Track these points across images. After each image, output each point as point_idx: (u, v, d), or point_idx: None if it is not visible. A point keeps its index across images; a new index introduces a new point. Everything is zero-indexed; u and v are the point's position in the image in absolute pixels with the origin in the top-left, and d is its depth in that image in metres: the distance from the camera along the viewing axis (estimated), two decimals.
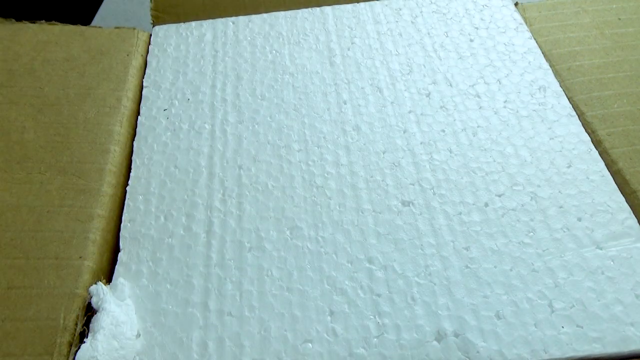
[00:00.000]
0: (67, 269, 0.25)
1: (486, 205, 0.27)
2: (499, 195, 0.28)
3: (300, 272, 0.26)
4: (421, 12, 0.39)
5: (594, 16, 0.37)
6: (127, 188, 0.30)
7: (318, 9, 0.39)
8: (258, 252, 0.27)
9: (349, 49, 0.36)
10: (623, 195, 0.28)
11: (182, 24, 0.39)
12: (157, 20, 0.40)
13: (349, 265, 0.26)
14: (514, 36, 0.36)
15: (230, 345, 0.23)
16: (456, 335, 0.23)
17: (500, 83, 0.33)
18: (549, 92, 0.32)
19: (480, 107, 0.32)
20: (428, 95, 0.33)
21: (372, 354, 0.23)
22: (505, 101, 0.32)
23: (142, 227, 0.28)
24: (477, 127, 0.31)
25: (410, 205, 0.28)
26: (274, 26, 0.38)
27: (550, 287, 0.24)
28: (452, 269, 0.25)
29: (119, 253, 0.27)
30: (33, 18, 0.38)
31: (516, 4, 0.39)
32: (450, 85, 0.33)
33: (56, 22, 0.38)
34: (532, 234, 0.26)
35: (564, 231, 0.26)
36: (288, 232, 0.27)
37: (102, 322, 0.23)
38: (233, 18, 0.39)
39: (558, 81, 0.33)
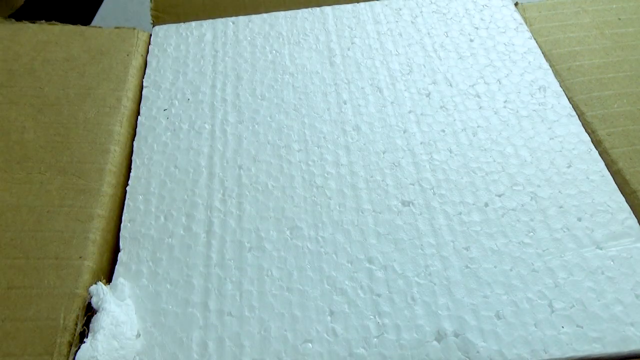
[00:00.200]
0: (67, 269, 0.25)
1: (486, 205, 0.27)
2: (499, 195, 0.28)
3: (300, 272, 0.26)
4: (421, 12, 0.39)
5: (594, 16, 0.37)
6: (127, 188, 0.30)
7: (318, 9, 0.39)
8: (258, 252, 0.27)
9: (349, 49, 0.36)
10: (623, 195, 0.28)
11: (182, 24, 0.39)
12: (157, 20, 0.40)
13: (349, 265, 0.26)
14: (514, 36, 0.36)
15: (230, 345, 0.23)
16: (456, 335, 0.23)
17: (500, 83, 0.33)
18: (549, 92, 0.32)
19: (480, 107, 0.32)
20: (428, 95, 0.33)
21: (372, 354, 0.23)
22: (505, 101, 0.32)
23: (142, 227, 0.28)
24: (477, 127, 0.31)
25: (410, 205, 0.28)
26: (274, 26, 0.38)
27: (550, 287, 0.24)
28: (452, 269, 0.25)
29: (119, 253, 0.27)
30: (33, 18, 0.38)
31: (516, 4, 0.39)
32: (450, 85, 0.33)
33: (56, 22, 0.38)
34: (532, 234, 0.26)
35: (564, 231, 0.26)
36: (288, 232, 0.27)
37: (102, 322, 0.23)
38: (233, 18, 0.39)
39: (558, 81, 0.33)
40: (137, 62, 0.36)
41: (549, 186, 0.28)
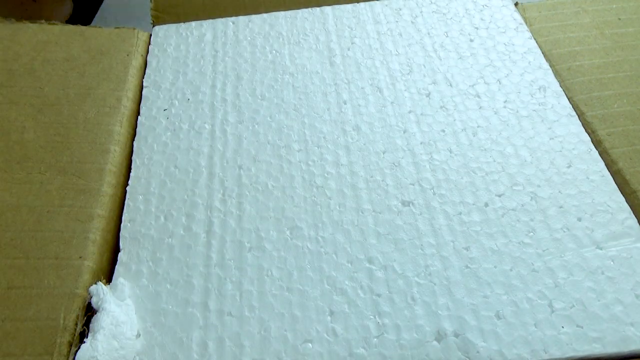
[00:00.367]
0: (67, 269, 0.25)
1: (486, 205, 0.27)
2: (499, 195, 0.28)
3: (300, 272, 0.26)
4: (421, 12, 0.39)
5: (594, 16, 0.37)
6: (127, 188, 0.30)
7: (318, 9, 0.39)
8: (258, 252, 0.26)
9: (349, 49, 0.36)
10: (623, 195, 0.28)
11: (182, 24, 0.39)
12: (157, 20, 0.40)
13: (349, 265, 0.26)
14: (514, 36, 0.36)
15: (230, 345, 0.23)
16: (456, 335, 0.23)
17: (500, 83, 0.33)
18: (549, 92, 0.32)
19: (480, 107, 0.32)
20: (428, 95, 0.33)
21: (372, 354, 0.23)
22: (505, 101, 0.32)
23: (142, 227, 0.28)
24: (477, 127, 0.31)
25: (410, 205, 0.28)
26: (274, 26, 0.38)
27: (550, 287, 0.24)
28: (452, 269, 0.25)
29: (119, 253, 0.27)
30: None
31: (516, 4, 0.39)
32: (450, 85, 0.33)
33: (56, 22, 0.38)
34: (532, 234, 0.26)
35: (564, 231, 0.26)
36: (288, 232, 0.27)
37: (102, 322, 0.23)
38: (233, 18, 0.39)
39: (558, 81, 0.33)
40: (137, 62, 0.36)
41: (549, 186, 0.28)
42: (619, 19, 0.36)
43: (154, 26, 0.39)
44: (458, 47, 0.36)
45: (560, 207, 0.27)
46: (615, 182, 0.28)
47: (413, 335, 0.23)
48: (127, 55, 0.36)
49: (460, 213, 0.27)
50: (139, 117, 0.33)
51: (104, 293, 0.24)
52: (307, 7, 0.39)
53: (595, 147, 0.30)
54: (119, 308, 0.24)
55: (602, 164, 0.29)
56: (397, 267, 0.25)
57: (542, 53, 0.35)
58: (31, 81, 0.34)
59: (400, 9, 0.39)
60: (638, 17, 0.37)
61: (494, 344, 0.23)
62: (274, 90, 0.34)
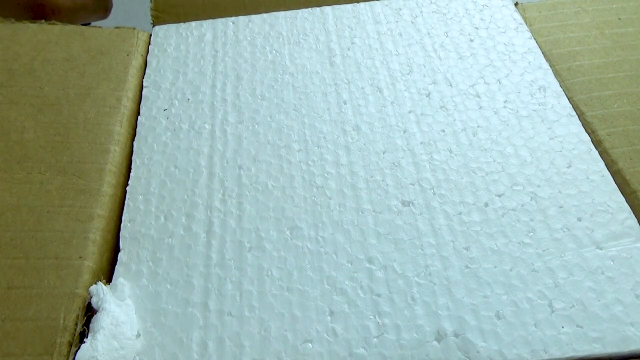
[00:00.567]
0: (67, 269, 0.25)
1: (486, 205, 0.27)
2: (499, 195, 0.28)
3: (300, 272, 0.26)
4: (421, 12, 0.39)
5: (594, 16, 0.37)
6: (127, 188, 0.30)
7: (318, 9, 0.39)
8: (258, 252, 0.26)
9: (349, 49, 0.36)
10: (623, 195, 0.28)
11: (182, 24, 0.39)
12: (157, 20, 0.40)
13: (349, 265, 0.26)
14: (514, 36, 0.36)
15: (230, 345, 0.23)
16: (456, 335, 0.23)
17: (500, 83, 0.33)
18: (549, 92, 0.32)
19: (480, 107, 0.32)
20: (428, 95, 0.33)
21: (372, 354, 0.23)
22: (505, 101, 0.32)
23: (142, 227, 0.28)
24: (477, 127, 0.31)
25: (410, 205, 0.28)
26: (274, 26, 0.38)
27: (550, 287, 0.24)
28: (452, 269, 0.25)
29: (119, 253, 0.27)
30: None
31: (516, 4, 0.39)
32: (450, 85, 0.33)
33: (56, 22, 0.38)
34: (532, 234, 0.26)
35: (564, 231, 0.26)
36: (288, 232, 0.27)
37: (102, 322, 0.23)
38: (233, 18, 0.39)
39: (558, 81, 0.33)
40: (137, 62, 0.36)
41: (549, 186, 0.28)
42: (619, 18, 0.36)
43: (154, 26, 0.39)
44: (458, 47, 0.36)
45: (560, 207, 0.27)
46: (615, 182, 0.28)
47: (413, 335, 0.23)
48: (127, 55, 0.36)
49: (460, 213, 0.27)
50: (139, 117, 0.33)
51: (104, 293, 0.24)
52: (307, 7, 0.39)
53: (595, 147, 0.30)
54: (119, 308, 0.24)
55: (602, 164, 0.29)
56: (397, 267, 0.25)
57: (542, 53, 0.35)
58: (31, 81, 0.34)
59: (400, 9, 0.39)
60: (638, 17, 0.37)
61: (494, 344, 0.23)
62: (274, 90, 0.34)
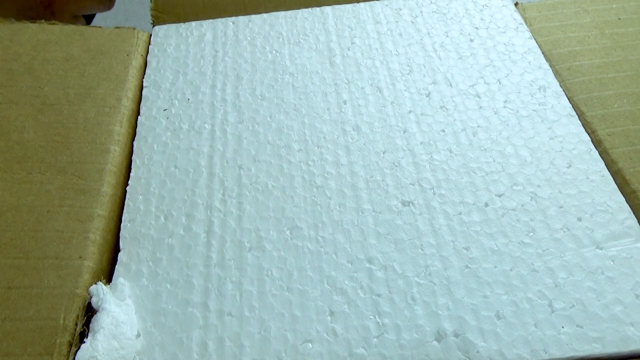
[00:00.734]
0: (67, 269, 0.25)
1: (486, 205, 0.27)
2: (499, 195, 0.28)
3: (300, 272, 0.26)
4: (421, 12, 0.39)
5: (594, 16, 0.37)
6: (127, 188, 0.30)
7: (318, 9, 0.39)
8: (258, 252, 0.26)
9: (349, 49, 0.36)
10: (623, 195, 0.28)
11: (182, 24, 0.39)
12: (157, 20, 0.40)
13: (349, 265, 0.26)
14: (514, 36, 0.36)
15: (230, 345, 0.23)
16: (456, 335, 0.23)
17: (500, 83, 0.33)
18: (549, 92, 0.32)
19: (480, 107, 0.32)
20: (428, 95, 0.33)
21: (372, 354, 0.23)
22: (505, 101, 0.32)
23: (142, 227, 0.28)
24: (477, 127, 0.31)
25: (410, 205, 0.28)
26: (274, 26, 0.38)
27: (550, 287, 0.24)
28: (452, 269, 0.25)
29: (119, 253, 0.27)
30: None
31: (516, 4, 0.39)
32: (450, 85, 0.33)
33: (56, 22, 0.38)
34: (532, 234, 0.26)
35: (564, 231, 0.26)
36: (288, 232, 0.27)
37: (102, 322, 0.23)
38: (233, 18, 0.39)
39: (558, 81, 0.33)
40: (137, 62, 0.36)
41: (549, 186, 0.28)
42: (619, 18, 0.36)
43: (154, 26, 0.39)
44: (458, 47, 0.36)
45: (560, 207, 0.27)
46: (615, 182, 0.28)
47: (413, 335, 0.23)
48: (127, 55, 0.36)
49: (460, 213, 0.27)
50: (139, 117, 0.33)
51: (104, 293, 0.24)
52: (307, 7, 0.39)
53: (595, 147, 0.30)
54: (119, 308, 0.24)
55: (602, 164, 0.29)
56: (397, 267, 0.25)
57: (542, 53, 0.35)
58: (31, 81, 0.34)
59: (400, 9, 0.39)
60: (638, 17, 0.37)
61: (494, 344, 0.23)
62: (274, 90, 0.34)
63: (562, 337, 0.23)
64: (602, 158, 0.29)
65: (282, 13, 0.39)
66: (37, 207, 0.28)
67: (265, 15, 0.39)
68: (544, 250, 0.26)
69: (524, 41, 0.36)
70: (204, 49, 0.37)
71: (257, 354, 0.23)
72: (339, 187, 0.29)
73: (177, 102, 0.34)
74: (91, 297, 0.24)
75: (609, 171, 0.29)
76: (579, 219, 0.27)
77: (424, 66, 0.35)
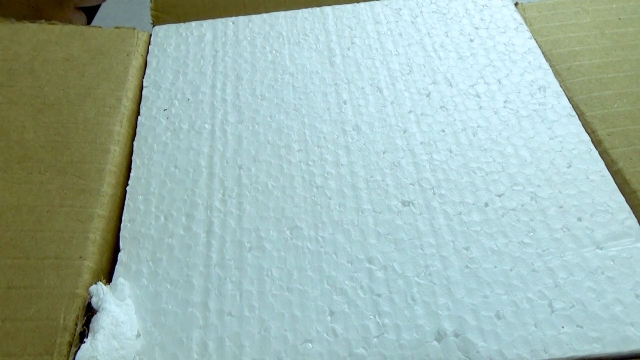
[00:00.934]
0: (67, 269, 0.25)
1: (486, 205, 0.27)
2: (499, 195, 0.28)
3: (300, 272, 0.26)
4: (421, 12, 0.39)
5: (594, 16, 0.37)
6: (127, 188, 0.30)
7: (318, 9, 0.39)
8: (258, 252, 0.26)
9: (349, 49, 0.36)
10: (623, 195, 0.28)
11: (182, 24, 0.39)
12: (157, 20, 0.40)
13: (349, 265, 0.26)
14: (514, 36, 0.36)
15: (230, 345, 0.23)
16: (456, 335, 0.23)
17: (500, 83, 0.33)
18: (549, 92, 0.32)
19: (480, 107, 0.32)
20: (428, 95, 0.33)
21: (372, 354, 0.23)
22: (505, 101, 0.32)
23: (142, 227, 0.28)
24: (477, 127, 0.31)
25: (410, 205, 0.28)
26: (274, 26, 0.38)
27: (550, 287, 0.24)
28: (452, 269, 0.25)
29: (119, 253, 0.27)
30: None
31: (516, 4, 0.39)
32: (450, 85, 0.33)
33: (56, 22, 0.38)
34: (532, 234, 0.26)
35: (564, 231, 0.26)
36: (288, 232, 0.27)
37: (102, 322, 0.23)
38: (233, 18, 0.39)
39: (558, 81, 0.33)
40: (137, 62, 0.36)
41: (549, 186, 0.28)
42: (619, 18, 0.36)
43: (154, 26, 0.39)
44: (458, 47, 0.36)
45: (560, 207, 0.27)
46: (615, 182, 0.28)
47: (413, 335, 0.23)
48: (127, 55, 0.36)
49: (460, 213, 0.27)
50: (139, 117, 0.33)
51: (104, 293, 0.24)
52: (307, 7, 0.39)
53: (595, 147, 0.30)
54: (119, 308, 0.24)
55: (602, 164, 0.29)
56: (397, 267, 0.25)
57: (542, 53, 0.35)
58: (31, 81, 0.34)
59: (400, 9, 0.39)
60: (638, 17, 0.37)
61: (494, 344, 0.23)
62: (274, 90, 0.34)
63: (562, 337, 0.23)
64: (602, 158, 0.29)
65: (282, 13, 0.39)
66: (37, 207, 0.28)
67: (265, 15, 0.39)
68: (544, 250, 0.26)
69: (524, 41, 0.36)
70: (204, 49, 0.37)
71: (257, 354, 0.23)
72: (339, 187, 0.29)
73: (177, 102, 0.34)
74: (91, 297, 0.24)
75: (609, 171, 0.29)
76: (579, 219, 0.27)
77: (424, 66, 0.35)
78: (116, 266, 0.26)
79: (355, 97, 0.33)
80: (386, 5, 0.39)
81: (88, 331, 0.23)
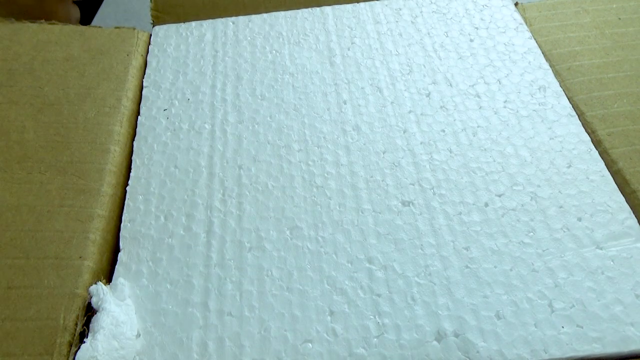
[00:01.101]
0: (67, 269, 0.25)
1: (486, 205, 0.27)
2: (499, 195, 0.28)
3: (300, 272, 0.26)
4: (421, 12, 0.39)
5: (594, 16, 0.37)
6: (127, 188, 0.30)
7: (318, 9, 0.39)
8: (258, 252, 0.26)
9: (349, 49, 0.36)
10: (623, 195, 0.28)
11: (182, 24, 0.39)
12: (157, 20, 0.40)
13: (349, 265, 0.26)
14: (514, 36, 0.36)
15: (230, 345, 0.23)
16: (456, 335, 0.23)
17: (500, 83, 0.33)
18: (549, 92, 0.32)
19: (480, 107, 0.32)
20: (428, 95, 0.33)
21: (372, 354, 0.23)
22: (505, 101, 0.32)
23: (142, 227, 0.28)
24: (477, 127, 0.31)
25: (410, 205, 0.28)
26: (274, 26, 0.38)
27: (550, 287, 0.24)
28: (452, 269, 0.25)
29: (119, 253, 0.27)
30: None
31: (516, 4, 0.39)
32: (450, 85, 0.33)
33: (56, 22, 0.38)
34: (532, 234, 0.26)
35: (564, 231, 0.26)
36: (288, 232, 0.27)
37: (102, 322, 0.23)
38: (233, 18, 0.39)
39: (558, 81, 0.33)
40: (137, 62, 0.36)
41: (549, 186, 0.28)
42: (619, 18, 0.36)
43: (154, 26, 0.39)
44: (458, 47, 0.36)
45: (560, 207, 0.27)
46: (615, 182, 0.28)
47: (413, 335, 0.23)
48: (127, 55, 0.36)
49: (460, 213, 0.27)
50: (139, 117, 0.33)
51: (104, 293, 0.24)
52: (307, 7, 0.39)
53: (595, 147, 0.30)
54: (119, 308, 0.24)
55: (602, 164, 0.29)
56: (397, 267, 0.25)
57: (542, 53, 0.35)
58: (31, 81, 0.34)
59: (400, 9, 0.39)
60: (638, 17, 0.37)
61: (494, 344, 0.23)
62: (274, 90, 0.34)
63: (562, 337, 0.23)
64: (602, 158, 0.29)
65: (282, 13, 0.39)
66: (37, 207, 0.28)
67: (265, 15, 0.39)
68: (544, 250, 0.26)
69: (524, 41, 0.36)
70: (204, 49, 0.37)
71: (257, 354, 0.23)
72: (339, 187, 0.29)
73: (177, 102, 0.34)
74: (91, 297, 0.24)
75: (609, 171, 0.29)
76: (579, 219, 0.27)
77: (424, 66, 0.35)
78: (116, 266, 0.26)
79: (355, 97, 0.33)
80: (386, 5, 0.39)
81: (88, 331, 0.23)
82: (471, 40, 0.36)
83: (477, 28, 0.37)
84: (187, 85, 0.35)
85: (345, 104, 0.33)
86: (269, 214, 0.28)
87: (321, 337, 0.24)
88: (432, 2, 0.39)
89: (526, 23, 0.37)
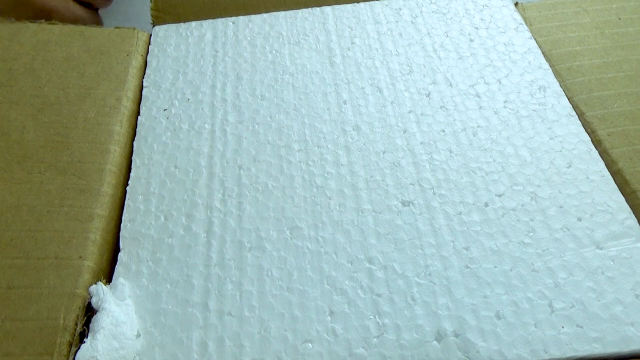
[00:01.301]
0: (67, 269, 0.25)
1: (486, 205, 0.27)
2: (499, 195, 0.28)
3: (300, 272, 0.26)
4: (421, 12, 0.39)
5: (594, 16, 0.37)
6: (127, 188, 0.30)
7: (318, 9, 0.39)
8: (258, 252, 0.27)
9: (349, 49, 0.36)
10: (623, 195, 0.28)
11: (182, 24, 0.39)
12: (157, 20, 0.40)
13: (349, 265, 0.26)
14: (514, 36, 0.36)
15: (230, 345, 0.23)
16: (456, 335, 0.23)
17: (500, 83, 0.33)
18: (549, 92, 0.32)
19: (480, 107, 0.32)
20: (428, 95, 0.33)
21: (372, 354, 0.23)
22: (505, 101, 0.32)
23: (142, 227, 0.28)
24: (477, 127, 0.31)
25: (410, 205, 0.28)
26: (274, 26, 0.38)
27: (550, 287, 0.24)
28: (452, 269, 0.25)
29: (119, 253, 0.27)
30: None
31: (516, 4, 0.39)
32: (450, 85, 0.33)
33: (56, 22, 0.38)
34: (532, 234, 0.26)
35: (564, 231, 0.26)
36: (288, 232, 0.27)
37: (102, 322, 0.23)
38: (233, 18, 0.39)
39: (558, 81, 0.33)
40: (137, 62, 0.36)
41: (549, 186, 0.28)
42: (619, 18, 0.36)
43: (154, 26, 0.39)
44: (458, 47, 0.36)
45: (560, 207, 0.27)
46: (615, 182, 0.28)
47: (413, 335, 0.23)
48: (127, 55, 0.36)
49: (460, 213, 0.27)
50: (139, 117, 0.33)
51: (104, 293, 0.24)
52: (307, 7, 0.39)
53: (595, 147, 0.30)
54: (119, 308, 0.24)
55: (602, 164, 0.29)
56: (397, 267, 0.25)
57: (542, 53, 0.35)
58: (31, 81, 0.34)
59: (400, 9, 0.39)
60: (638, 17, 0.37)
61: (494, 344, 0.23)
62: (274, 90, 0.34)
63: (562, 337, 0.23)
64: (602, 158, 0.29)
65: (282, 13, 0.39)
66: (37, 207, 0.28)
67: (265, 15, 0.39)
68: (544, 250, 0.26)
69: (524, 41, 0.36)
70: (204, 49, 0.37)
71: (257, 354, 0.23)
72: (339, 187, 0.29)
73: (177, 102, 0.34)
74: (91, 297, 0.24)
75: (609, 171, 0.29)
76: (579, 219, 0.27)
77: (424, 66, 0.35)
78: (116, 266, 0.26)
79: (355, 97, 0.33)
80: (386, 5, 0.39)
81: (88, 331, 0.23)
82: (471, 40, 0.36)
83: (477, 28, 0.37)
84: (187, 85, 0.35)
85: (345, 104, 0.33)
86: (269, 214, 0.28)
87: (321, 337, 0.24)
88: (432, 2, 0.39)
89: (526, 23, 0.37)
